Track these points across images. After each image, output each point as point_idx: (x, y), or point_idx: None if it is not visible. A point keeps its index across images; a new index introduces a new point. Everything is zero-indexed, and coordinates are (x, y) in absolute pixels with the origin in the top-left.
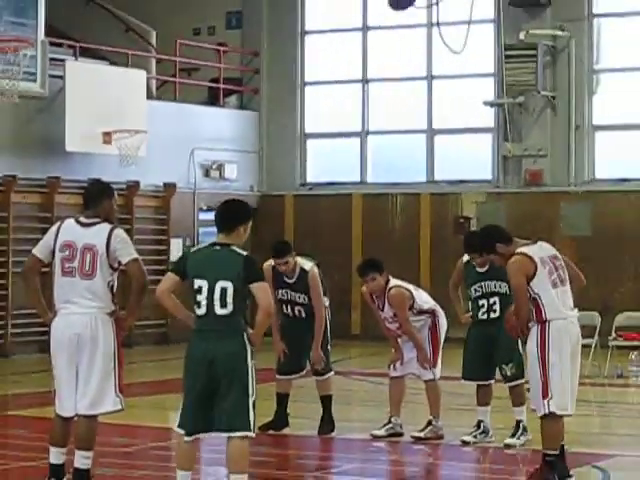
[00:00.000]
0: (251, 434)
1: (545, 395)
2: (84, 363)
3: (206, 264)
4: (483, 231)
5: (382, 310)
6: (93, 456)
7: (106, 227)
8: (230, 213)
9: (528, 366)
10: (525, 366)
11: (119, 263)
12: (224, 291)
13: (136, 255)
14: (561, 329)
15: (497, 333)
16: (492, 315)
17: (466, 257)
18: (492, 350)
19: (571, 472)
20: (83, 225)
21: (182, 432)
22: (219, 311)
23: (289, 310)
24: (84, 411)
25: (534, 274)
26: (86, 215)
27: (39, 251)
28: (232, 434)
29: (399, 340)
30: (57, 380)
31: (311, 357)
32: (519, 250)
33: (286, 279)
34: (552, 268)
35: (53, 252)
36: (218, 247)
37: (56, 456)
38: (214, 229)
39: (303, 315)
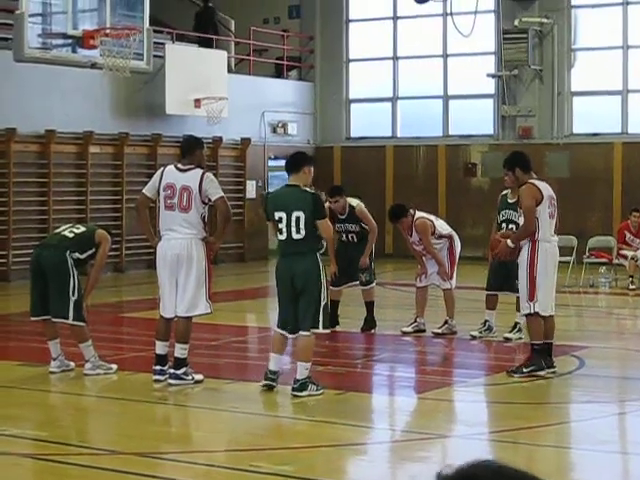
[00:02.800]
0: (318, 330)
1: (531, 298)
2: (182, 276)
3: (283, 199)
4: (514, 152)
5: (410, 236)
6: (189, 347)
7: (199, 171)
8: (296, 159)
9: (519, 275)
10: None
11: (209, 199)
12: (298, 220)
13: (222, 193)
14: (547, 249)
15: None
16: None
17: (503, 192)
18: (508, 268)
19: (554, 362)
20: (181, 170)
21: (274, 327)
22: (295, 236)
23: (345, 238)
24: (182, 313)
25: (539, 202)
26: (182, 162)
27: (148, 190)
28: (302, 333)
29: (423, 258)
30: (161, 289)
31: (360, 263)
32: (531, 181)
33: (340, 216)
34: (550, 203)
35: (158, 191)
36: (290, 187)
37: (160, 348)
38: (280, 173)
39: (355, 240)
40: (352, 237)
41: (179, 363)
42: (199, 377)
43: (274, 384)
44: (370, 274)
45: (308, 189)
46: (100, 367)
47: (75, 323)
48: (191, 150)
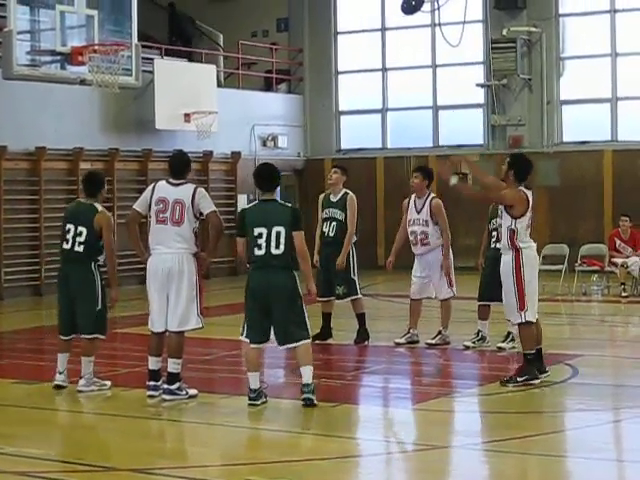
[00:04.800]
0: (308, 341)
1: (522, 307)
2: (173, 291)
3: (264, 215)
4: (524, 158)
5: (417, 212)
6: (182, 362)
7: (191, 186)
8: (269, 177)
9: (504, 286)
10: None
11: (201, 214)
12: (278, 235)
13: (214, 208)
14: (530, 255)
15: None
16: (498, 246)
17: None
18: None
19: (547, 368)
20: (173, 185)
21: (247, 341)
22: (274, 251)
23: (326, 227)
24: (174, 328)
25: (524, 213)
26: (174, 177)
27: (138, 205)
28: (296, 344)
29: (417, 259)
30: (150, 304)
31: (337, 264)
32: (522, 189)
33: (331, 198)
34: (532, 215)
35: (149, 206)
36: (268, 202)
37: (153, 363)
38: None
39: (333, 233)
40: (332, 227)
41: (172, 378)
42: (193, 392)
43: (257, 403)
44: (349, 287)
45: (287, 204)
46: (94, 383)
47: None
48: (178, 166)
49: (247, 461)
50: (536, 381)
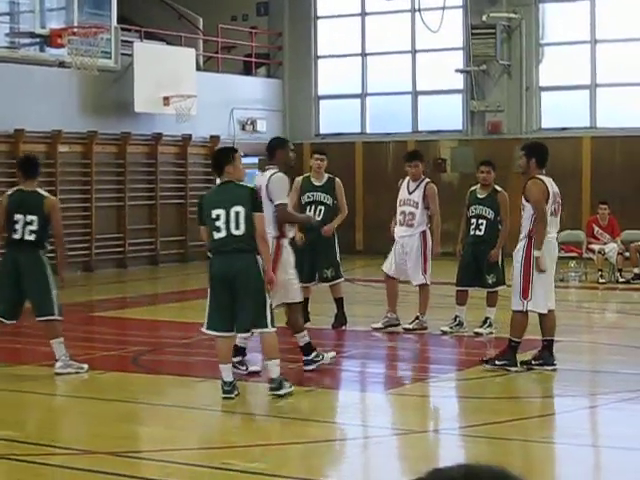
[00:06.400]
0: (269, 330)
1: (525, 296)
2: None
3: (220, 197)
4: (540, 143)
5: (410, 194)
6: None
7: (270, 172)
8: (217, 160)
9: (514, 271)
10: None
11: (271, 200)
12: (237, 215)
13: (284, 200)
14: (545, 245)
15: (484, 250)
16: (477, 233)
17: (472, 188)
18: (479, 264)
19: (555, 360)
20: (262, 171)
21: (211, 333)
22: (235, 232)
23: (311, 211)
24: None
25: (546, 199)
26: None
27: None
28: (256, 331)
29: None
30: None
31: (323, 232)
32: (540, 176)
33: (315, 182)
34: (554, 200)
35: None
36: (225, 184)
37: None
38: (250, 170)
39: (320, 217)
40: (319, 211)
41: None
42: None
43: (232, 396)
44: (336, 270)
45: (245, 184)
46: (71, 366)
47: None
48: (271, 151)
49: (224, 445)
50: (513, 368)
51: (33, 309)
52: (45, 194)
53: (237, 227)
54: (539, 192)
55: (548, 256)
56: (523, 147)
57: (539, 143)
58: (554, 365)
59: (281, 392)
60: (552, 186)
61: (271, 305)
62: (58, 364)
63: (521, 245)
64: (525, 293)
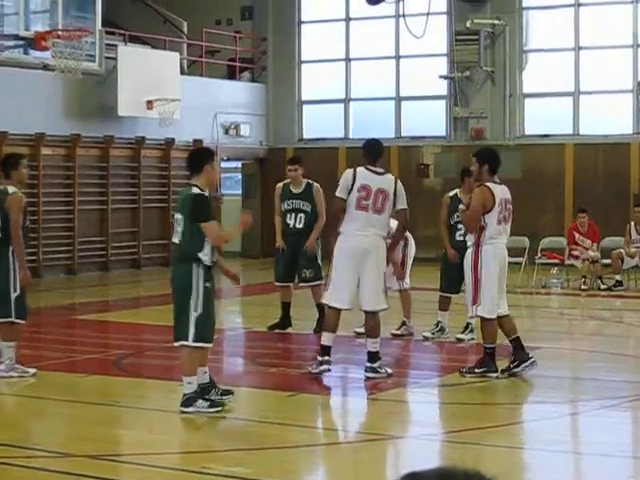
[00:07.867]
0: (187, 343)
1: (474, 302)
2: (367, 271)
3: (178, 201)
4: (491, 150)
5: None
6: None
7: (392, 177)
8: (192, 158)
9: (465, 279)
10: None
11: (394, 206)
12: (178, 222)
13: (406, 206)
14: (490, 252)
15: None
16: (461, 239)
17: (451, 193)
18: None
19: (530, 354)
20: (377, 173)
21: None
22: (174, 239)
23: (291, 219)
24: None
25: (490, 208)
26: (375, 165)
27: (341, 192)
28: (175, 343)
29: None
30: (339, 281)
31: (306, 246)
32: (489, 184)
33: (293, 190)
34: (504, 207)
35: (349, 192)
36: (188, 187)
37: (328, 339)
38: (233, 175)
39: (301, 224)
40: (299, 218)
41: (372, 357)
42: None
43: (188, 410)
44: (315, 271)
45: (194, 189)
46: (15, 369)
47: (17, 321)
48: (381, 154)
49: (204, 449)
50: (494, 374)
51: None
52: (12, 191)
53: (175, 235)
54: (479, 200)
55: (493, 262)
56: (475, 154)
57: (491, 150)
58: (530, 359)
59: (189, 409)
60: (503, 193)
61: (200, 317)
62: (1, 367)
63: (469, 252)
64: (474, 299)
